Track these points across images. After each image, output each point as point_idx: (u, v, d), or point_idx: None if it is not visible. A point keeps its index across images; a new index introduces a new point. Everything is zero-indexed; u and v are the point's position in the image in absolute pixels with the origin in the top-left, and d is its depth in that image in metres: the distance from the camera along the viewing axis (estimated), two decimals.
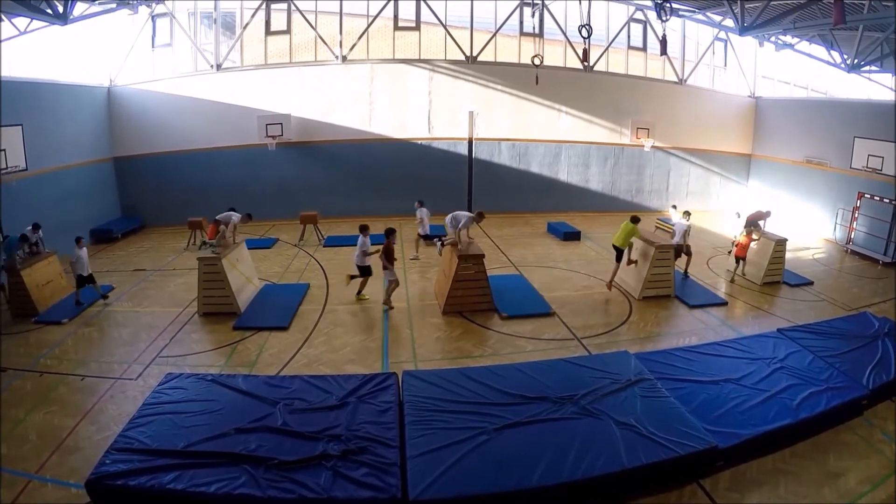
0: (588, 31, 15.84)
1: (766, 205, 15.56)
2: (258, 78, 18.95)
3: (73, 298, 11.54)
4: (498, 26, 19.39)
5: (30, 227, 12.07)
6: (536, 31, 19.54)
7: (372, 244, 11.79)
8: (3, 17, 12.83)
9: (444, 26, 19.18)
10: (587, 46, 16.90)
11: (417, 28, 19.49)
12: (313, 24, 18.78)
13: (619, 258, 12.27)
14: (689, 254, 13.43)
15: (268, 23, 19.10)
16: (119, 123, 18.44)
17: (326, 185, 19.31)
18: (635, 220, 12.12)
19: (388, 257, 11.08)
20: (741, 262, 13.39)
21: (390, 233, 11.20)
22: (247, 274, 12.09)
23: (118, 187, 18.74)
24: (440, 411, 6.60)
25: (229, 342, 9.86)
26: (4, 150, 12.87)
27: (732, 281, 13.33)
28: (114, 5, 15.85)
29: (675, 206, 16.00)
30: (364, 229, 11.64)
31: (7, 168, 13.02)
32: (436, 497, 5.28)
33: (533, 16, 19.07)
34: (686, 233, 13.35)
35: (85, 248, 11.72)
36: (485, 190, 19.20)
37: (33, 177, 14.21)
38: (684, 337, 10.28)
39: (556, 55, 20.06)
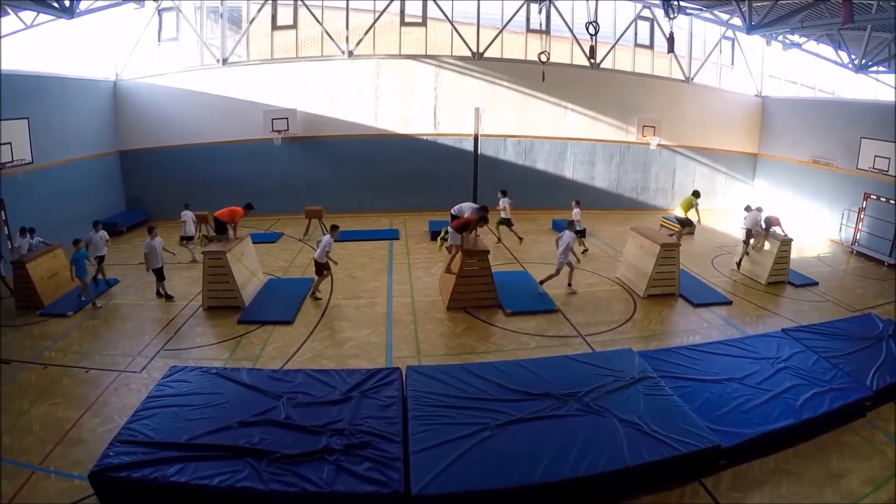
0: (595, 28, 15.80)
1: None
2: (264, 72, 18.96)
3: (76, 290, 11.57)
4: (505, 23, 19.32)
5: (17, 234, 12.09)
6: (543, 27, 19.45)
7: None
8: (9, 10, 12.85)
9: (451, 22, 19.15)
10: (594, 43, 16.80)
11: (424, 24, 19.44)
12: (319, 20, 18.77)
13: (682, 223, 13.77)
14: (746, 241, 13.75)
15: (274, 17, 19.10)
16: (124, 117, 18.48)
17: (331, 179, 19.32)
18: (696, 194, 13.90)
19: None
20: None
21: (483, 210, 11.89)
22: (251, 268, 12.12)
23: (123, 181, 18.79)
24: (443, 407, 6.61)
25: (233, 336, 9.89)
26: (10, 143, 12.91)
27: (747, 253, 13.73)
28: None
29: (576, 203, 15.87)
30: (570, 225, 12.38)
31: (13, 161, 13.05)
32: (438, 492, 5.29)
33: (540, 12, 18.97)
34: (758, 223, 13.57)
35: (158, 239, 11.54)
36: (490, 186, 19.14)
37: (39, 170, 14.25)
38: (688, 335, 10.27)
39: (563, 52, 20.00)
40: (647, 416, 6.49)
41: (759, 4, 15.21)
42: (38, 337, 9.82)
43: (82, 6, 14.13)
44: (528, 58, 19.49)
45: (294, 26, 19.19)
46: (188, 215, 14.35)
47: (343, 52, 18.94)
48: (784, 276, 13.28)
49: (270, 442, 5.90)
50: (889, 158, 15.38)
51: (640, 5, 20.25)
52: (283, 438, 5.99)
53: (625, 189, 21.22)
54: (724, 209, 21.42)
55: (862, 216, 16.39)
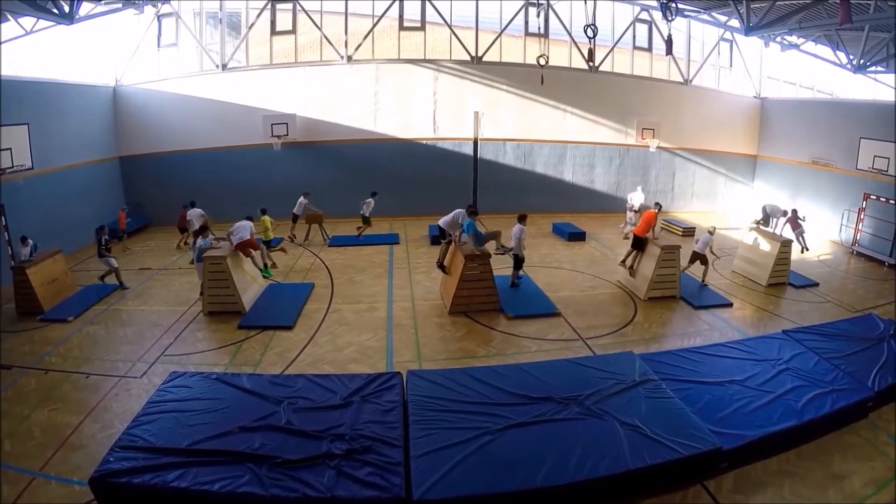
0: (593, 31, 15.80)
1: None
2: (263, 78, 18.98)
3: (77, 295, 11.56)
4: (503, 26, 19.36)
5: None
6: (542, 31, 19.51)
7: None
8: (9, 16, 12.88)
9: (450, 26, 19.18)
10: (592, 46, 16.84)
11: (423, 28, 19.47)
12: (318, 25, 18.80)
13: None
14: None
15: (273, 23, 19.14)
16: (124, 123, 18.49)
17: (331, 184, 19.29)
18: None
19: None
20: None
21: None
22: (252, 273, 12.11)
23: (124, 186, 18.79)
24: (444, 411, 6.59)
25: (234, 341, 9.88)
26: (10, 148, 12.91)
27: None
28: (119, 5, 15.88)
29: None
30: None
31: (13, 167, 13.05)
32: (439, 497, 5.28)
33: (538, 16, 19.04)
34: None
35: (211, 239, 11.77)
36: (490, 190, 19.14)
37: (39, 176, 14.23)
38: (689, 338, 10.26)
39: (562, 55, 20.03)
40: (649, 419, 6.48)
41: (756, 6, 15.24)
42: (38, 342, 9.81)
43: (82, 12, 14.13)
44: (527, 61, 19.51)
45: (293, 31, 19.22)
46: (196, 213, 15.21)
47: (342, 57, 18.97)
48: (785, 278, 13.28)
49: (271, 447, 5.89)
50: (888, 158, 15.39)
51: (638, 8, 20.30)
52: (284, 443, 5.97)
53: (625, 192, 21.08)
54: (724, 212, 21.44)
55: (862, 216, 16.40)
